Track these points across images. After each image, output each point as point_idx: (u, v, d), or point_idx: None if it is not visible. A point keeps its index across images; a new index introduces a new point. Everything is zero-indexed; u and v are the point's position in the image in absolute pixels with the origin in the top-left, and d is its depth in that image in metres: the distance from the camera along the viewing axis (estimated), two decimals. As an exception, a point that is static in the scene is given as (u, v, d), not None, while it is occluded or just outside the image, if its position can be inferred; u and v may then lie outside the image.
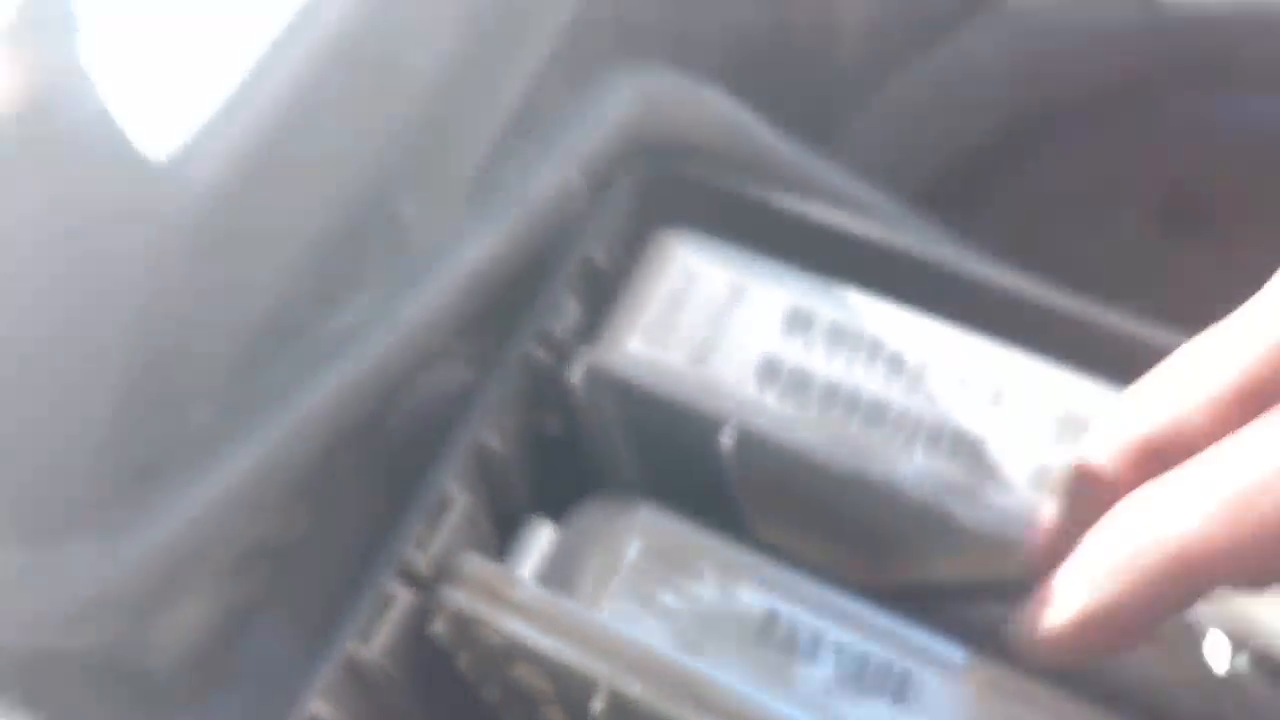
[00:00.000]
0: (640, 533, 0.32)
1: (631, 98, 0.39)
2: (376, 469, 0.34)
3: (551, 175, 0.37)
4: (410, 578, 0.31)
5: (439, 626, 0.31)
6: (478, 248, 0.34)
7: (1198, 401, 0.26)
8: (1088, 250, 0.47)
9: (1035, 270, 0.37)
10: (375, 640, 0.31)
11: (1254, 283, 0.26)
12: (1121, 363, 0.31)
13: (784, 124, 0.43)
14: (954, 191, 0.48)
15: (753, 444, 0.33)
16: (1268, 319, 0.25)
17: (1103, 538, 0.26)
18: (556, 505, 0.34)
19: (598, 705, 0.29)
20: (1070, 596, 0.26)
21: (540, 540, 0.32)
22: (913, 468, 0.32)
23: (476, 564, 0.31)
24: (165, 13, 0.32)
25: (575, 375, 0.35)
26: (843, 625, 0.31)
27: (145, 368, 0.33)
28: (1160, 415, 0.26)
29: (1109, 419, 0.27)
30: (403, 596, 0.31)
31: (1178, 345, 0.27)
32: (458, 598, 0.30)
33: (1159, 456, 0.26)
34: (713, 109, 0.41)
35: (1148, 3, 0.42)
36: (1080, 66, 0.45)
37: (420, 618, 0.31)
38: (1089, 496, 0.27)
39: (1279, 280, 0.26)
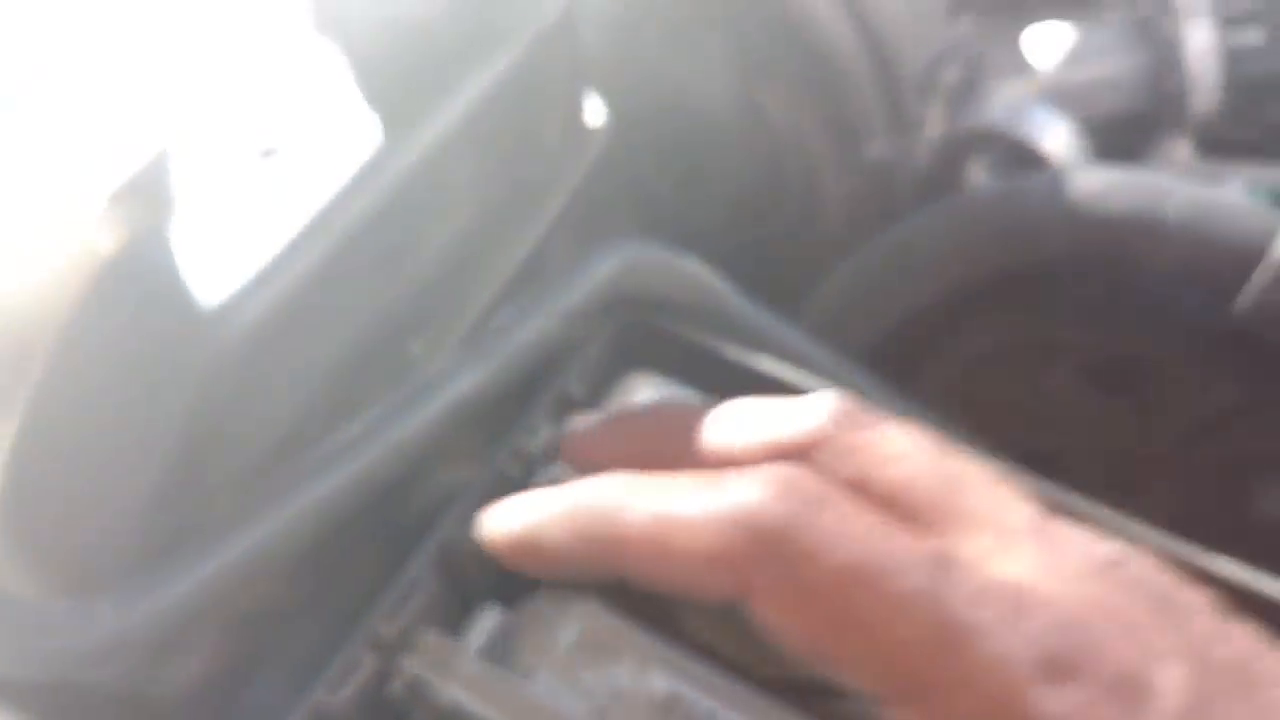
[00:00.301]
0: (578, 621, 0.38)
1: (616, 263, 0.47)
2: (375, 550, 0.41)
3: (536, 323, 0.44)
4: (377, 645, 0.37)
5: (396, 688, 0.37)
6: (463, 381, 0.41)
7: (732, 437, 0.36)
8: (1021, 398, 0.53)
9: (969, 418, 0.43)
10: (342, 693, 0.37)
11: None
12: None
13: (773, 278, 0.50)
14: (904, 349, 0.55)
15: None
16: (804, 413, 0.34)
17: (577, 487, 0.35)
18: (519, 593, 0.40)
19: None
20: (518, 514, 0.36)
21: (489, 622, 0.38)
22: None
23: (431, 638, 0.37)
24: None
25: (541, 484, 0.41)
26: (735, 709, 0.36)
27: (183, 464, 0.40)
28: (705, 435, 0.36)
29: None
30: (368, 660, 0.37)
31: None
32: (413, 664, 0.36)
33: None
34: (687, 274, 0.48)
35: (1065, 202, 0.49)
36: (1017, 245, 0.52)
37: (381, 679, 0.37)
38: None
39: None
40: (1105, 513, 0.40)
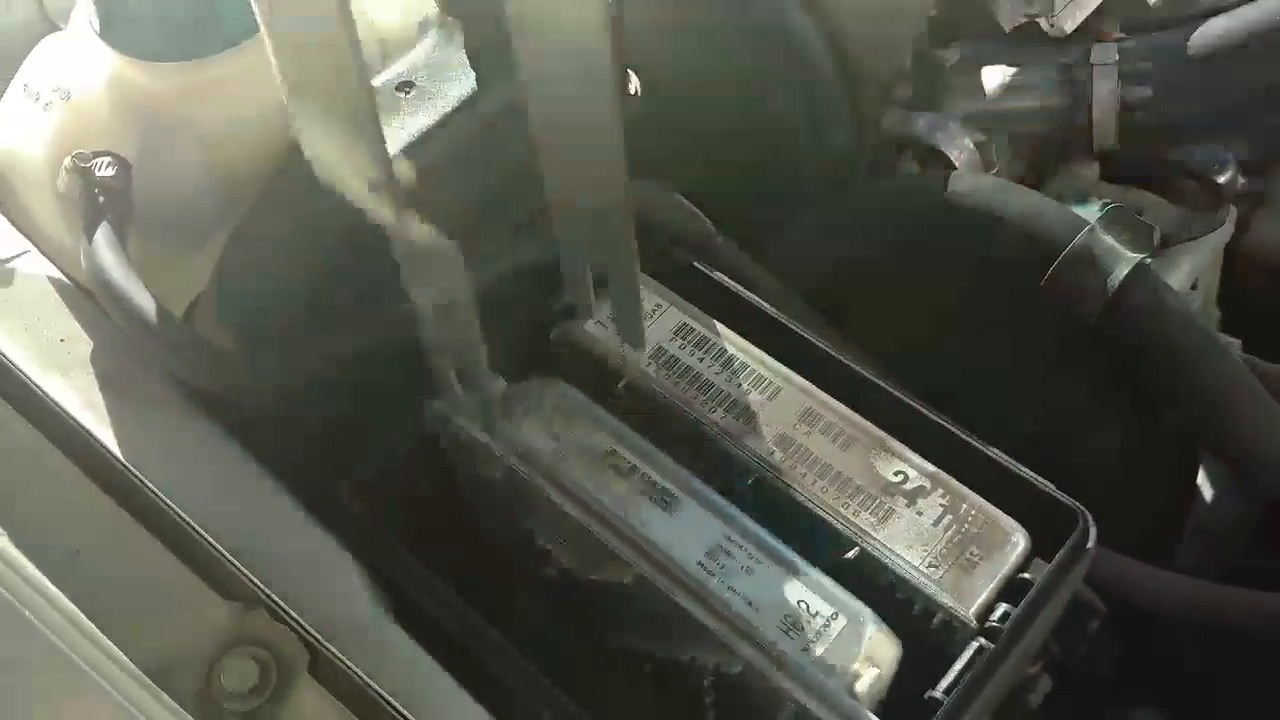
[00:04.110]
0: (555, 396, 0.59)
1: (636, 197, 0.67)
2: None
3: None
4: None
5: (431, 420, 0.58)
6: (510, 258, 0.62)
7: None
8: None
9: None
10: (404, 437, 0.58)
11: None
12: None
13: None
14: (837, 285, 0.76)
15: (634, 391, 0.60)
16: None
17: None
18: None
19: (497, 474, 0.55)
20: None
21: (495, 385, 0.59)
22: (714, 420, 0.58)
23: (453, 392, 0.58)
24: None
25: (553, 335, 0.62)
26: (652, 466, 0.56)
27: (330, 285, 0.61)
28: None
29: None
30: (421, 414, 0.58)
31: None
32: (442, 407, 0.57)
33: None
34: (684, 210, 0.68)
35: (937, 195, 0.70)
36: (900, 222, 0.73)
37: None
38: None
39: None
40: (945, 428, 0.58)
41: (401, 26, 0.65)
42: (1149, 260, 0.70)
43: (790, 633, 0.51)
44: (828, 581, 0.53)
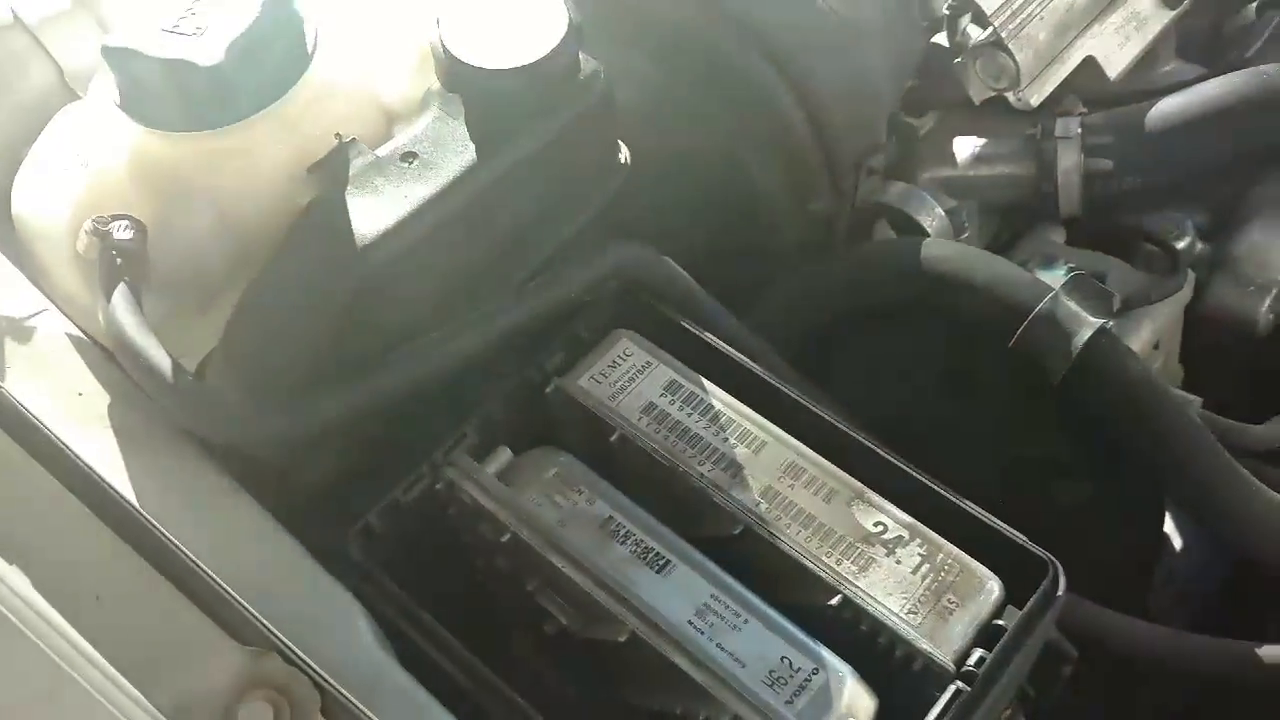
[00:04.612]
0: (557, 465, 0.62)
1: (621, 256, 0.70)
2: (444, 411, 0.64)
3: (563, 287, 0.68)
4: (433, 465, 0.61)
5: (440, 488, 0.61)
6: (512, 315, 0.65)
7: None
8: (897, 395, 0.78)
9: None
10: (410, 494, 0.61)
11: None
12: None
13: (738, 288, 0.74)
14: (817, 346, 0.79)
15: (627, 444, 0.63)
16: None
17: None
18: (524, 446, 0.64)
19: (504, 538, 0.58)
20: None
21: (502, 458, 0.62)
22: (702, 472, 0.61)
23: (464, 461, 0.61)
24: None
25: (549, 391, 0.65)
26: (649, 534, 0.59)
27: (336, 338, 0.63)
28: None
29: None
30: (428, 474, 0.61)
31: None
32: (451, 474, 0.60)
33: None
34: (667, 270, 0.71)
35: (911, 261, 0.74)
36: (877, 287, 0.78)
37: (433, 484, 0.61)
38: None
39: None
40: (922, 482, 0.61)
41: (405, 99, 0.69)
42: (1110, 324, 0.74)
43: (775, 686, 0.54)
44: (808, 638, 0.56)
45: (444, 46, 0.64)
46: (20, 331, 0.62)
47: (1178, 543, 0.93)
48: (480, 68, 0.63)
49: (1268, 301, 0.91)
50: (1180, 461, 0.73)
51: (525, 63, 0.63)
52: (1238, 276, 0.92)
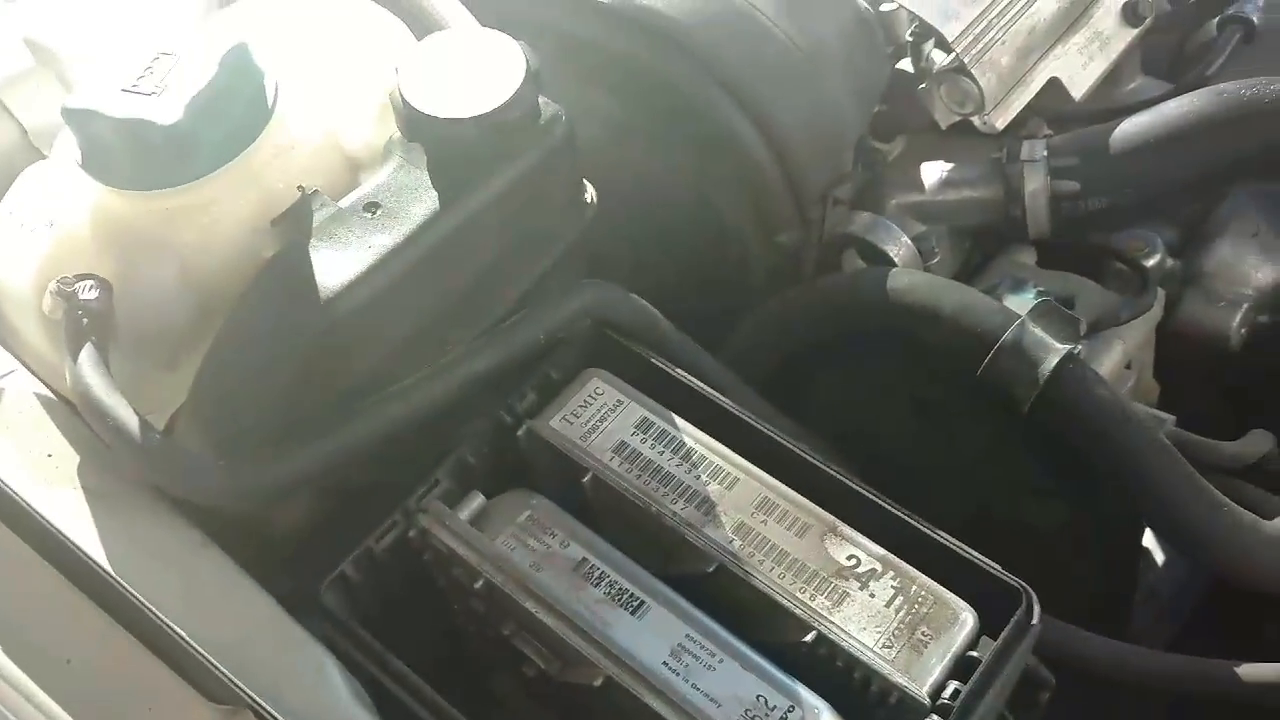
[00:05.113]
0: (530, 508, 0.62)
1: (590, 295, 0.70)
2: (416, 457, 0.64)
3: (533, 328, 0.68)
4: (406, 512, 0.61)
5: (414, 535, 0.61)
6: (482, 359, 0.66)
7: None
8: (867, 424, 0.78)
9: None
10: (383, 542, 0.61)
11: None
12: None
13: (709, 321, 0.75)
14: (787, 379, 0.79)
15: (600, 485, 0.63)
16: None
17: None
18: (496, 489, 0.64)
19: (478, 584, 0.58)
20: None
21: (475, 503, 0.62)
22: (675, 510, 0.61)
23: (437, 506, 0.61)
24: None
25: (521, 433, 0.65)
26: (622, 574, 0.59)
27: (302, 390, 0.63)
28: None
29: None
30: (401, 521, 0.61)
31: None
32: (424, 520, 0.61)
33: None
34: (637, 308, 0.72)
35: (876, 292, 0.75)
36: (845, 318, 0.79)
37: (406, 532, 0.61)
38: None
39: None
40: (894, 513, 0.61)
41: (369, 148, 0.69)
42: (1079, 349, 0.75)
43: (751, 725, 0.55)
44: (784, 675, 0.56)
45: (402, 96, 0.64)
46: (-12, 393, 0.62)
47: (1158, 560, 0.93)
48: (438, 117, 0.64)
49: (1239, 316, 0.92)
50: (1147, 484, 0.73)
51: (482, 111, 0.63)
52: (1209, 292, 0.93)
